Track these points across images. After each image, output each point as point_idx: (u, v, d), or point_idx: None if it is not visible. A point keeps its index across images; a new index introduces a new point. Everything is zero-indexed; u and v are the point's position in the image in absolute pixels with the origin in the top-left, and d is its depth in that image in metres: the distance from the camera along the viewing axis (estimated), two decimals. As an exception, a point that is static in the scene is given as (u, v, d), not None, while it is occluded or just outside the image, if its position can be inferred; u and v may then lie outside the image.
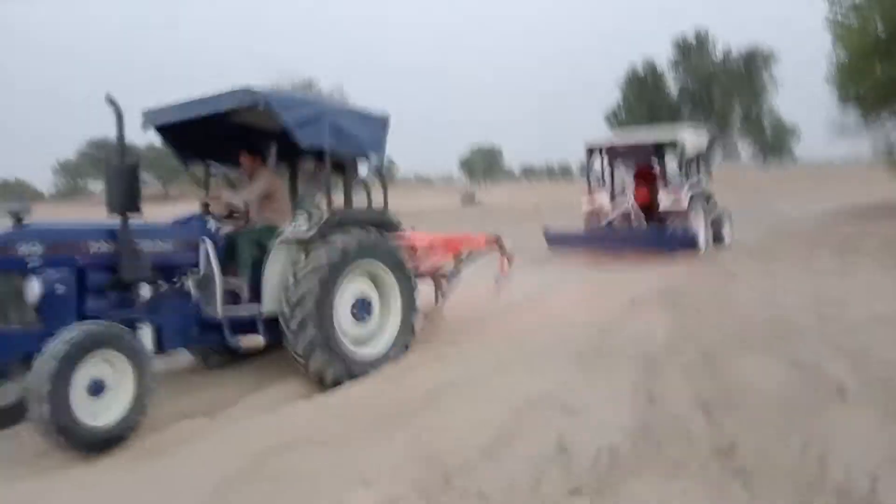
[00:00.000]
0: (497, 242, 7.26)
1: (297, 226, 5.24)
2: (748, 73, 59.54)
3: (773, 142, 64.46)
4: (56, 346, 3.73)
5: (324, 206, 5.51)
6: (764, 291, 8.20)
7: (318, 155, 5.75)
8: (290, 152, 6.07)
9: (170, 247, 4.81)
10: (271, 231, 5.40)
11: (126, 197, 4.38)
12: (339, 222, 5.29)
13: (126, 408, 4.00)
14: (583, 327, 6.56)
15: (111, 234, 4.44)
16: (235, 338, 4.95)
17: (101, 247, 4.39)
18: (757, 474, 3.23)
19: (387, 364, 5.41)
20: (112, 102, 4.30)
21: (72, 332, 3.81)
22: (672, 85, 62.66)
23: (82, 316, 4.17)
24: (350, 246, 5.19)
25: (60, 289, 4.12)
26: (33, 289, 4.03)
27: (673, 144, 12.29)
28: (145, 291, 4.54)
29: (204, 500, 3.30)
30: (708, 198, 12.74)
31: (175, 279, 4.81)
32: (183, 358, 5.85)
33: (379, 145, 5.89)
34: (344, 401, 4.73)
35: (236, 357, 5.71)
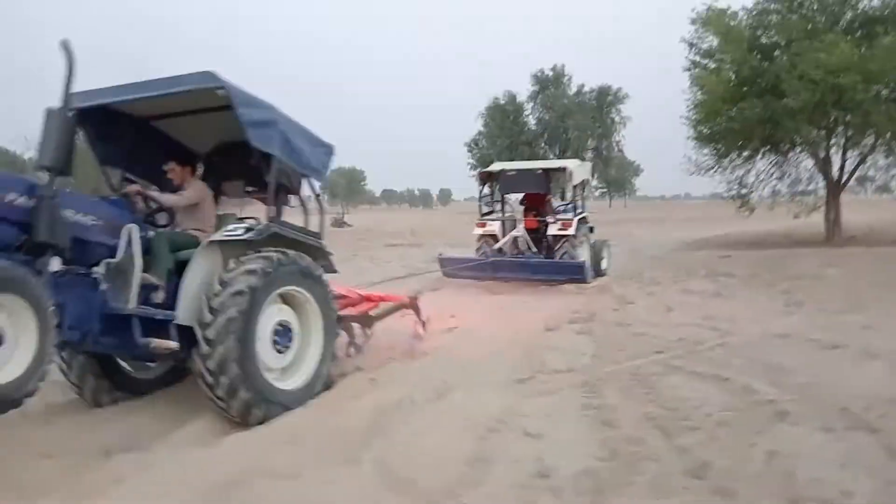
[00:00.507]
0: (413, 304, 7.03)
1: (233, 230, 4.82)
2: (599, 109, 63.34)
3: (617, 177, 68.76)
4: None
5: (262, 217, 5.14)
6: (660, 313, 8.66)
7: (248, 173, 5.43)
8: (215, 174, 5.67)
9: (92, 223, 4.27)
10: (193, 242, 4.98)
11: (59, 153, 3.90)
12: (274, 234, 4.93)
13: (26, 367, 3.39)
14: (508, 348, 6.58)
15: (31, 189, 3.87)
16: (145, 339, 4.39)
17: (18, 200, 3.81)
18: (736, 492, 3.31)
19: (310, 396, 4.95)
20: (66, 48, 3.84)
21: None
22: (531, 117, 65.49)
23: None
24: (291, 264, 4.84)
25: None
26: None
27: (562, 171, 12.77)
28: (55, 264, 3.96)
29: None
30: (591, 228, 13.32)
31: (89, 260, 4.25)
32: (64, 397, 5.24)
33: (323, 169, 5.63)
34: (289, 429, 4.38)
35: (130, 394, 5.21)
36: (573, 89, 63.88)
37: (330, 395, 5.12)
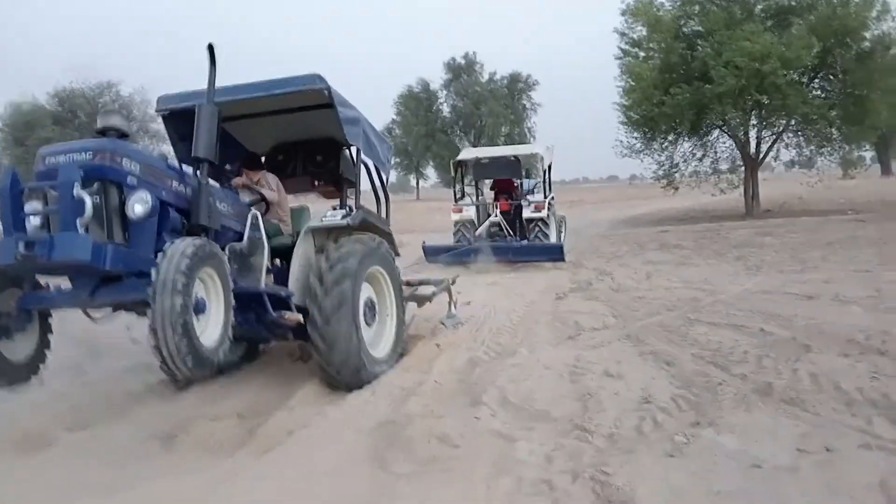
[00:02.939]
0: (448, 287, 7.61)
1: (332, 217, 5.34)
2: (511, 95, 64.87)
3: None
4: (181, 249, 3.53)
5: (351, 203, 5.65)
6: (642, 280, 9.63)
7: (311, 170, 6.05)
8: (277, 171, 6.11)
9: (227, 209, 4.71)
10: (278, 230, 5.49)
11: (209, 145, 4.31)
12: (363, 220, 5.48)
13: (220, 333, 3.82)
14: (536, 315, 7.33)
15: (187, 177, 4.33)
16: (278, 313, 4.80)
17: (180, 186, 4.26)
18: (803, 401, 4.17)
19: (393, 364, 5.48)
20: (210, 50, 4.27)
21: (192, 241, 3.67)
22: (445, 105, 66.42)
23: (158, 251, 3.84)
24: (375, 247, 5.41)
25: (155, 213, 3.93)
26: (137, 206, 3.81)
27: (534, 156, 13.64)
28: None
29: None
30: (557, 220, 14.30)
31: (220, 244, 4.68)
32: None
33: (388, 163, 6.26)
34: (397, 384, 4.93)
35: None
36: (485, 77, 65.67)
37: (411, 360, 5.71)
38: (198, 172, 4.40)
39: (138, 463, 3.89)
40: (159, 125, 21.39)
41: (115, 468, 3.82)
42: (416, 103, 63.76)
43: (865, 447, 3.45)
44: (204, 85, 4.50)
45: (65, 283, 4.24)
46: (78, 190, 3.63)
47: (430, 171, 66.20)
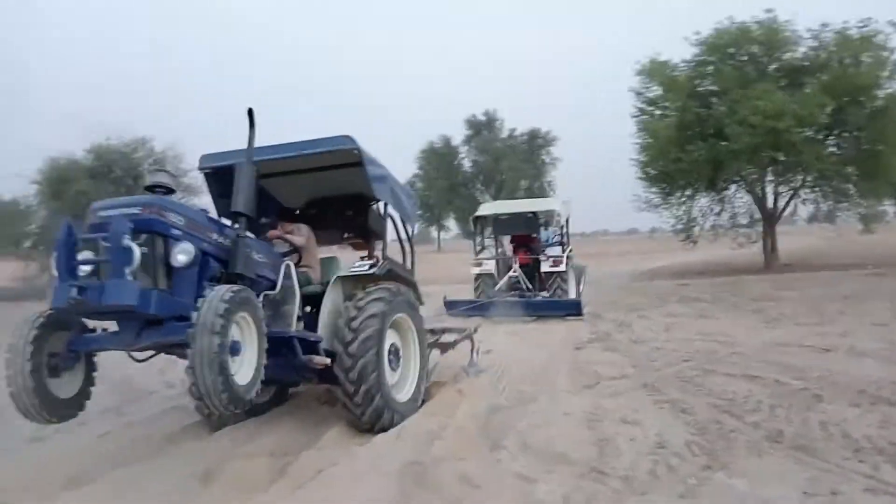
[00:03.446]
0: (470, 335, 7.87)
1: (360, 266, 5.64)
2: (530, 150, 65.88)
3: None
4: (219, 295, 3.78)
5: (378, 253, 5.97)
6: (661, 332, 9.79)
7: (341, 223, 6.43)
8: (310, 224, 6.44)
9: (262, 259, 4.99)
10: (307, 279, 5.78)
11: (249, 201, 4.66)
12: (389, 270, 5.78)
13: (252, 373, 4.02)
14: (555, 364, 7.54)
15: (226, 230, 4.66)
16: (307, 356, 5.02)
17: (219, 238, 4.57)
18: (812, 448, 4.34)
19: (416, 409, 5.68)
20: (250, 115, 4.67)
21: (226, 289, 3.90)
22: (466, 160, 67.57)
23: (198, 297, 4.11)
24: (400, 294, 5.71)
25: (196, 262, 4.22)
26: (180, 255, 4.12)
27: (550, 213, 14.01)
28: None
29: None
30: (577, 269, 14.55)
31: (256, 292, 4.78)
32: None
33: (414, 215, 6.60)
34: (422, 430, 5.11)
35: (250, 416, 5.80)
36: (505, 132, 66.95)
37: (434, 405, 5.92)
38: (236, 226, 4.75)
39: (179, 499, 4.14)
40: (190, 179, 22.18)
41: (159, 502, 4.08)
42: (438, 158, 65.03)
43: (871, 491, 3.64)
44: (239, 144, 4.90)
45: (111, 327, 4.56)
46: (128, 241, 3.94)
47: (451, 223, 66.90)
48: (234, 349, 3.90)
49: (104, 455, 5.00)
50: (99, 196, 19.37)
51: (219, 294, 3.83)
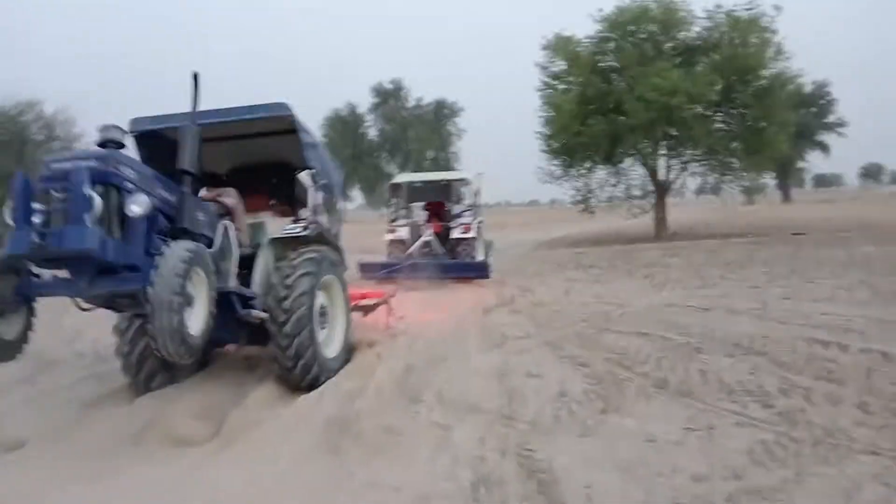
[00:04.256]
0: (388, 298, 8.15)
1: (292, 229, 5.82)
2: (437, 121, 66.21)
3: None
4: (178, 254, 4.03)
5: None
6: (561, 296, 10.42)
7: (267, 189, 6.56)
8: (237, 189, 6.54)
9: (203, 218, 5.12)
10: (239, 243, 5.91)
11: (193, 160, 4.83)
12: (319, 234, 5.99)
13: (202, 323, 4.29)
14: (465, 327, 7.97)
15: (171, 186, 4.79)
16: (246, 310, 5.26)
17: (166, 194, 4.71)
18: (691, 392, 4.94)
19: (339, 368, 5.95)
20: (195, 78, 4.83)
21: (186, 245, 4.17)
22: (372, 129, 67.17)
23: (147, 251, 4.38)
24: (329, 257, 5.94)
25: (149, 215, 4.37)
26: (135, 206, 4.25)
27: (462, 182, 14.44)
28: None
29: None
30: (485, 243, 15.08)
31: None
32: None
33: (341, 184, 6.74)
34: (346, 387, 5.42)
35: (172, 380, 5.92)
36: (412, 102, 66.91)
37: (353, 366, 6.20)
38: (182, 183, 4.88)
39: (115, 457, 4.28)
40: (81, 144, 21.20)
41: (94, 461, 4.21)
42: (343, 126, 64.27)
43: (739, 425, 4.23)
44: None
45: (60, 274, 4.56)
46: (88, 189, 4.07)
47: (356, 193, 66.47)
48: (187, 301, 4.12)
49: (30, 420, 5.03)
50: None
51: (178, 250, 4.09)
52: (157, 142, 5.80)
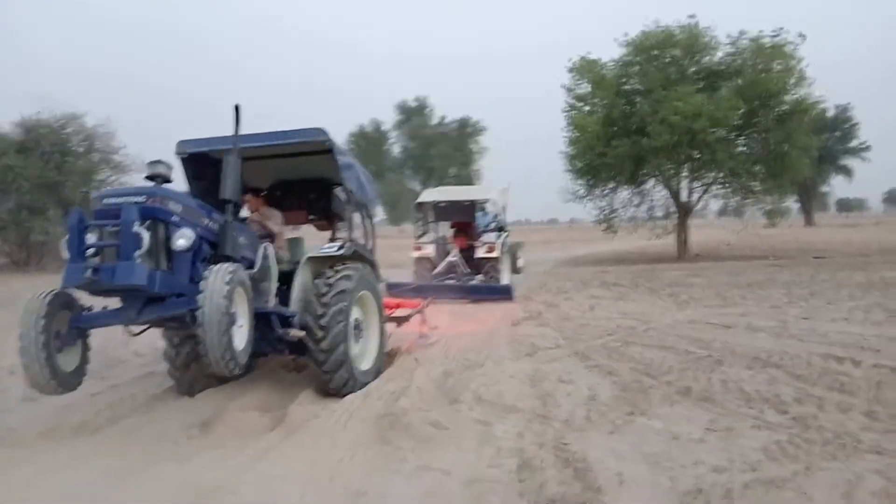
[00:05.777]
0: (423, 308, 8.57)
1: (329, 248, 6.23)
2: (461, 139, 66.88)
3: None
4: (223, 271, 4.37)
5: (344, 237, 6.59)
6: (586, 311, 10.82)
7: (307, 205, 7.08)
8: (276, 205, 6.94)
9: (245, 241, 5.49)
10: (279, 260, 6.38)
11: (235, 188, 5.19)
12: (355, 251, 6.44)
13: (245, 340, 4.63)
14: (496, 338, 8.41)
15: (216, 216, 5.16)
16: (284, 329, 5.62)
17: (209, 223, 5.08)
18: (713, 399, 5.33)
19: (374, 379, 6.25)
20: (236, 110, 5.24)
21: (227, 267, 4.46)
22: (396, 145, 68.07)
23: (192, 278, 4.71)
24: (364, 274, 6.35)
25: (194, 246, 4.73)
26: (181, 240, 4.62)
27: (486, 202, 14.85)
28: None
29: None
30: (512, 247, 15.52)
31: None
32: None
33: (376, 200, 7.26)
34: (388, 390, 5.87)
35: (215, 383, 6.21)
36: (435, 119, 67.71)
37: (392, 371, 6.62)
38: (224, 211, 5.25)
39: (186, 444, 4.75)
40: (121, 157, 21.93)
41: (166, 446, 4.68)
42: (368, 142, 65.20)
43: (756, 427, 4.62)
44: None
45: (111, 304, 5.01)
46: (138, 227, 4.44)
47: (378, 209, 67.09)
48: (232, 320, 4.45)
49: (102, 409, 5.54)
50: (27, 170, 19.05)
51: (221, 272, 4.40)
52: (202, 162, 6.29)
